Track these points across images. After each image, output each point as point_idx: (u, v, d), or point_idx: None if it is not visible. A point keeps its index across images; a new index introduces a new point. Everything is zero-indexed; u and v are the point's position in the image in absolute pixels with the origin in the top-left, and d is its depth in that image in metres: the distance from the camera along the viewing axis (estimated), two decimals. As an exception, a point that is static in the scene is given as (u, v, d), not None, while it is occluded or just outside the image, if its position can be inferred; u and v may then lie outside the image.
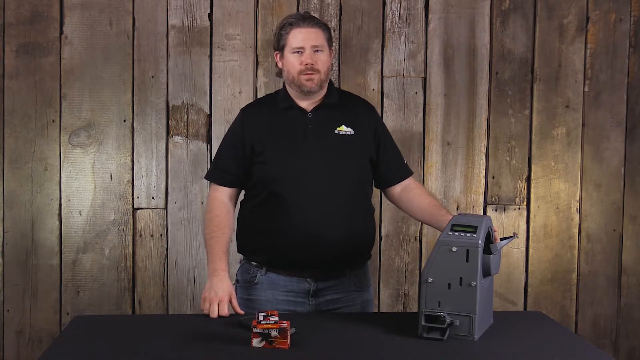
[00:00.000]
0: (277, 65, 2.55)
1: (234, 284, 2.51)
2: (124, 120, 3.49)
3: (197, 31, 3.50)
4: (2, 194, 3.47)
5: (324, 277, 2.49)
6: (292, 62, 2.45)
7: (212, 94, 3.51)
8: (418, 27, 3.56)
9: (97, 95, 3.48)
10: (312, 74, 2.43)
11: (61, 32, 3.46)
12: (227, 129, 3.50)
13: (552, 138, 3.62)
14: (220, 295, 2.37)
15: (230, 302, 2.38)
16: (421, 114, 3.58)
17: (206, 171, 2.72)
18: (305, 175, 2.43)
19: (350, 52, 3.54)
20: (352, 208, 2.48)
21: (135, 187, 3.51)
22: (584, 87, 3.62)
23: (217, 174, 2.57)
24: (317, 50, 2.44)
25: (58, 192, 3.49)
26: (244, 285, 2.53)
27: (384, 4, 3.55)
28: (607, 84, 3.62)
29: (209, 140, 3.51)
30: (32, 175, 3.48)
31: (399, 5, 3.55)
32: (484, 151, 3.61)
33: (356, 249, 2.52)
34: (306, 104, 2.51)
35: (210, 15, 3.50)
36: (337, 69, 3.53)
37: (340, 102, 2.54)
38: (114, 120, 3.49)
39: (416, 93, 3.55)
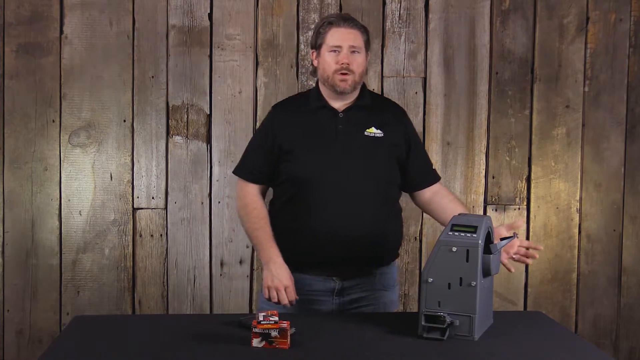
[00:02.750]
0: (312, 64, 2.55)
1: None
2: (124, 120, 3.49)
3: (197, 31, 3.50)
4: (2, 194, 3.47)
5: (350, 276, 2.51)
6: (327, 61, 2.46)
7: (212, 94, 3.51)
8: (418, 27, 3.56)
9: (97, 95, 3.48)
10: (346, 74, 2.44)
11: (61, 32, 3.46)
12: (227, 129, 3.53)
13: (552, 138, 3.62)
14: (284, 282, 2.41)
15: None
16: (421, 114, 3.58)
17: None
18: (333, 175, 2.45)
19: (350, 52, 3.54)
20: (378, 208, 2.50)
21: (135, 187, 3.51)
22: (584, 87, 3.62)
23: (246, 170, 2.59)
24: (354, 52, 2.45)
25: (58, 192, 3.49)
26: None
27: (384, 4, 3.55)
28: (607, 84, 3.62)
29: (209, 140, 3.51)
30: (32, 175, 3.48)
31: (399, 5, 3.55)
32: (484, 151, 3.61)
33: (382, 248, 2.53)
34: (338, 105, 2.52)
35: (210, 15, 3.50)
36: (337, 69, 3.53)
37: (372, 104, 2.55)
38: (114, 120, 3.49)
39: (416, 93, 3.55)
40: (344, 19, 2.47)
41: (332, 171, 2.45)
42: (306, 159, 2.47)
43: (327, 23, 2.47)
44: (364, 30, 2.50)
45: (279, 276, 2.41)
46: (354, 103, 2.52)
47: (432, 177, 2.64)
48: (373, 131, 2.50)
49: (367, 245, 2.46)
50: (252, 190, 2.57)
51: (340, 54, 2.44)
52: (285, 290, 2.40)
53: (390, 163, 2.53)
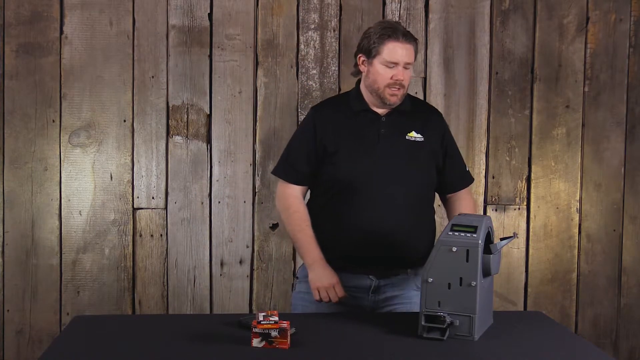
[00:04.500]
0: (355, 65, 2.57)
1: (296, 277, 2.64)
2: (124, 121, 3.49)
3: (197, 31, 3.50)
4: (2, 194, 3.47)
5: (386, 275, 2.55)
6: (381, 74, 2.48)
7: (212, 94, 3.51)
8: (418, 27, 3.56)
9: (97, 95, 3.48)
10: (398, 89, 2.48)
11: (61, 32, 3.46)
12: (227, 129, 3.53)
13: (552, 138, 3.62)
14: (331, 281, 2.47)
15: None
16: (421, 114, 3.58)
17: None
18: (374, 177, 2.49)
19: (350, 52, 3.53)
20: (416, 211, 2.54)
21: (135, 187, 3.51)
22: (584, 87, 3.62)
23: (287, 171, 2.61)
24: (407, 67, 2.48)
25: (58, 192, 3.49)
26: (305, 280, 2.57)
27: (384, 4, 3.55)
28: (607, 84, 3.62)
29: (209, 140, 3.51)
30: (32, 175, 3.48)
31: (399, 5, 3.55)
32: (484, 151, 3.61)
33: (417, 249, 2.54)
34: (380, 109, 2.56)
35: (210, 15, 3.50)
36: (337, 69, 3.53)
37: (412, 109, 2.59)
38: (114, 120, 3.49)
39: (416, 93, 3.55)
40: (403, 33, 2.47)
41: (373, 174, 2.50)
42: (349, 161, 2.51)
43: (385, 34, 2.46)
44: (416, 43, 2.52)
45: (324, 276, 2.48)
46: (395, 108, 2.56)
47: (465, 181, 2.68)
48: (414, 135, 2.55)
49: (404, 246, 2.51)
50: (293, 192, 2.60)
51: (395, 69, 2.46)
52: (334, 288, 2.47)
53: (429, 167, 2.58)
